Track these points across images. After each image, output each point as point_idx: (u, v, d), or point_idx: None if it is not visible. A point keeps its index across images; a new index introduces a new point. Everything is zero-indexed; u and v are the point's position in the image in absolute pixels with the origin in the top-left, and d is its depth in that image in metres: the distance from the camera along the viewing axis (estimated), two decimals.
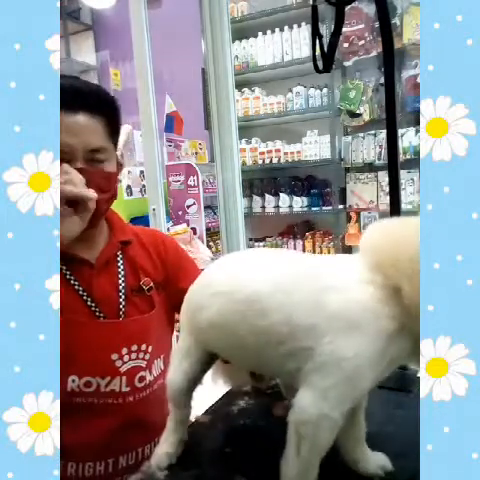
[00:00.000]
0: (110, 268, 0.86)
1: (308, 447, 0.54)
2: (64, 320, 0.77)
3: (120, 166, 0.89)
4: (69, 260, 0.82)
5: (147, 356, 0.85)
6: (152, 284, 0.89)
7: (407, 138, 3.14)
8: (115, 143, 0.85)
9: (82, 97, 0.77)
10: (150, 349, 0.85)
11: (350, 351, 0.52)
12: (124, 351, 0.82)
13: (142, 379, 0.84)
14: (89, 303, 0.82)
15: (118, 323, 0.83)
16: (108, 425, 0.81)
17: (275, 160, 3.78)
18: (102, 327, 0.82)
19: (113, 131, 0.83)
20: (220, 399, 0.87)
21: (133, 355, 0.83)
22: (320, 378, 0.53)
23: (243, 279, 0.60)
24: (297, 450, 0.55)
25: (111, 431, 0.81)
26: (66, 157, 0.75)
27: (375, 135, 3.35)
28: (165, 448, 0.68)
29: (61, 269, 0.81)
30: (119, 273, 0.86)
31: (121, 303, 0.84)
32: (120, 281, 0.86)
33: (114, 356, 0.81)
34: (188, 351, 0.67)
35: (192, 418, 0.85)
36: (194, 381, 0.68)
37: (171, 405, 0.69)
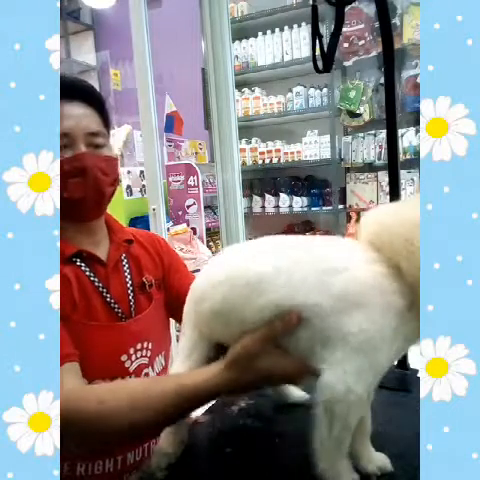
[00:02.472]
0: (118, 268, 0.87)
1: (340, 425, 0.56)
2: (79, 322, 0.77)
3: (117, 159, 0.92)
4: (86, 258, 0.83)
5: (149, 353, 0.86)
6: (153, 281, 0.90)
7: (407, 138, 3.14)
8: (109, 133, 0.91)
9: (77, 87, 0.82)
10: (151, 346, 0.86)
11: (355, 327, 0.55)
12: (131, 350, 0.83)
13: (146, 376, 0.85)
14: (109, 300, 0.82)
15: (131, 322, 0.84)
16: None
17: (275, 160, 3.78)
18: (116, 328, 0.82)
19: (105, 121, 0.88)
20: (220, 399, 0.87)
21: (139, 353, 0.84)
22: (331, 354, 0.56)
23: (244, 265, 0.62)
24: (329, 430, 0.57)
25: None
26: (68, 142, 0.78)
27: (375, 135, 3.35)
28: (164, 448, 0.68)
29: (80, 266, 0.82)
30: (125, 271, 0.87)
31: (131, 301, 0.85)
32: (127, 279, 0.87)
33: (124, 357, 0.82)
34: (193, 347, 0.67)
35: (192, 418, 0.85)
36: None
37: None
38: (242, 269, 0.61)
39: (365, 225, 0.60)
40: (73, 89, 0.81)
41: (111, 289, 0.83)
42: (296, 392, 0.82)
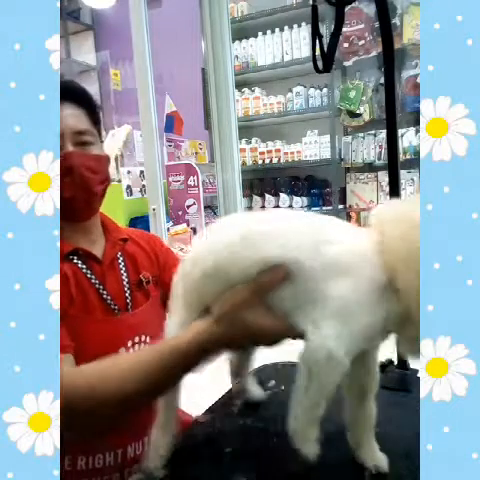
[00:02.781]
0: (114, 266, 0.89)
1: (315, 387, 0.58)
2: (77, 317, 0.78)
3: (109, 158, 0.93)
4: (83, 256, 0.85)
5: (147, 346, 0.86)
6: (150, 278, 0.92)
7: (407, 138, 3.15)
8: (99, 132, 0.91)
9: (67, 89, 0.82)
10: (149, 340, 0.87)
11: (337, 292, 0.57)
12: (129, 343, 0.84)
13: None
14: (105, 296, 0.84)
15: (127, 316, 0.85)
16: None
17: (275, 160, 3.78)
18: (113, 321, 0.84)
19: (95, 120, 0.89)
20: (220, 399, 0.87)
21: (137, 346, 0.85)
22: (314, 316, 0.58)
23: (244, 224, 0.64)
24: (305, 391, 0.58)
25: (119, 420, 0.82)
26: None
27: (375, 135, 3.35)
28: (157, 450, 0.68)
29: (76, 264, 0.83)
30: (121, 269, 0.89)
31: (127, 298, 0.87)
32: (123, 277, 0.88)
33: (122, 350, 0.83)
34: (182, 323, 0.67)
35: (192, 418, 0.85)
36: None
37: (160, 400, 0.69)
38: (241, 227, 0.63)
39: (376, 212, 0.62)
40: (62, 91, 0.83)
41: (107, 286, 0.85)
42: (257, 391, 0.83)
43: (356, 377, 0.64)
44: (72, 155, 0.80)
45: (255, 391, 0.83)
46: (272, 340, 0.63)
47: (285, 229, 0.62)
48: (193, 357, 0.62)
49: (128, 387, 0.63)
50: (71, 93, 0.84)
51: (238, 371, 0.81)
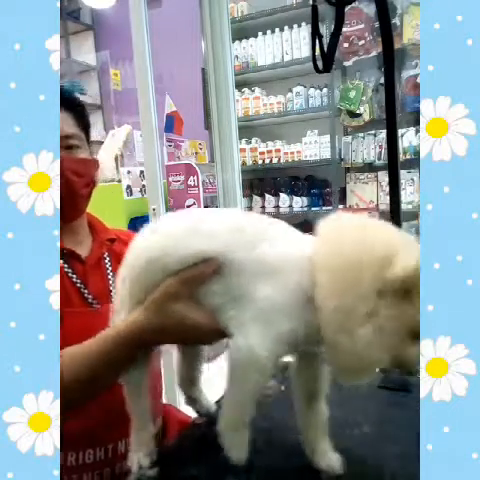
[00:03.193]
0: (100, 265, 0.91)
1: (240, 389, 0.58)
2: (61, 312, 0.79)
3: (96, 162, 0.95)
4: (66, 255, 0.87)
5: None
6: None
7: (407, 138, 3.14)
8: (87, 136, 0.93)
9: None
10: None
11: (261, 293, 0.57)
12: None
13: None
14: (86, 295, 0.85)
15: (106, 309, 0.85)
16: (106, 409, 0.82)
17: (275, 160, 3.78)
18: (96, 315, 0.84)
19: (83, 124, 0.91)
20: (220, 399, 0.87)
21: None
22: (240, 315, 0.58)
23: (187, 215, 0.66)
24: (231, 393, 0.59)
25: (108, 416, 0.82)
26: None
27: (375, 135, 3.35)
28: (140, 450, 0.67)
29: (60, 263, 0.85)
30: (107, 269, 0.91)
31: (112, 296, 0.87)
32: (110, 276, 0.90)
33: None
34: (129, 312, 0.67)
35: (190, 418, 0.85)
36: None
37: (129, 397, 0.69)
38: (180, 221, 0.65)
39: (324, 224, 0.60)
40: None
41: (90, 284, 0.87)
42: (208, 403, 0.81)
43: (304, 382, 0.65)
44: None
45: (207, 404, 0.80)
46: (202, 336, 0.63)
47: (221, 225, 0.62)
48: (129, 345, 0.64)
49: (66, 375, 0.61)
50: (61, 97, 0.85)
51: (188, 382, 0.78)
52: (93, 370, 0.65)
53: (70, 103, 0.89)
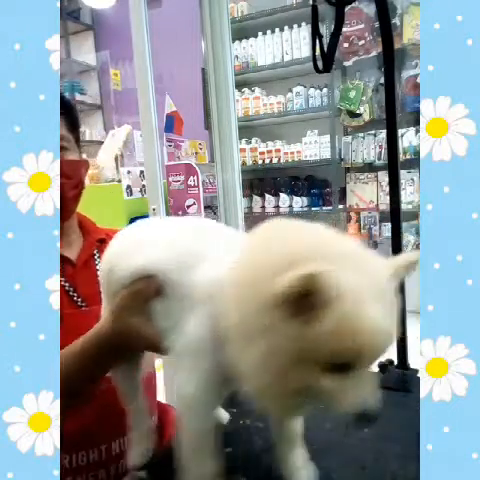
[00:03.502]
0: (89, 266, 0.91)
1: (187, 424, 0.55)
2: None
3: (86, 163, 0.96)
4: None
5: None
6: None
7: (407, 138, 3.14)
8: (76, 137, 0.93)
9: None
10: None
11: (189, 325, 0.53)
12: None
13: None
14: (75, 299, 0.86)
15: (95, 309, 0.85)
16: (98, 410, 0.82)
17: (275, 160, 3.78)
18: (85, 316, 0.83)
19: (72, 125, 0.91)
20: None
21: None
22: (173, 346, 0.56)
23: (140, 227, 0.68)
24: (182, 426, 0.55)
25: (101, 416, 0.82)
26: None
27: (375, 135, 3.35)
28: (136, 451, 0.69)
29: None
30: (97, 269, 0.90)
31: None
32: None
33: None
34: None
35: None
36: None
37: (122, 397, 0.70)
38: (132, 232, 0.67)
39: (257, 232, 0.51)
40: None
41: (79, 286, 0.87)
42: (222, 414, 0.78)
43: None
44: None
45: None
46: (160, 351, 0.60)
47: (165, 241, 0.61)
48: (98, 351, 0.65)
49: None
50: None
51: (130, 396, 0.73)
52: (75, 368, 0.66)
53: (62, 106, 0.87)
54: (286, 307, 0.40)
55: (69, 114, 0.90)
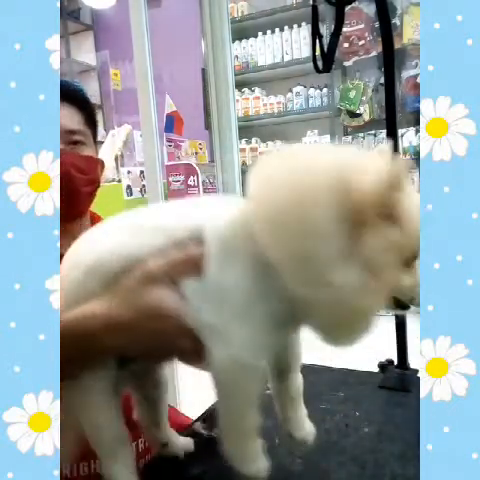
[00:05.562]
0: None
1: (233, 399, 0.51)
2: None
3: (102, 162, 0.92)
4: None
5: None
6: None
7: (407, 138, 3.14)
8: (93, 133, 0.90)
9: (61, 88, 0.82)
10: None
11: (230, 284, 0.47)
12: None
13: None
14: None
15: None
16: None
17: None
18: None
19: (89, 120, 0.88)
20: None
21: None
22: (212, 317, 0.48)
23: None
24: (225, 405, 0.52)
25: None
26: None
27: (375, 135, 3.35)
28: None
29: None
30: None
31: None
32: None
33: None
34: None
35: (192, 418, 0.85)
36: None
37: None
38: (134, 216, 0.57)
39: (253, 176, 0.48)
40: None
41: None
42: (181, 442, 0.71)
43: (276, 358, 0.58)
44: (61, 153, 0.79)
45: (179, 442, 0.70)
46: (172, 332, 0.50)
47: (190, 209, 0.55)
48: (86, 332, 0.51)
49: None
50: (66, 93, 0.83)
51: (153, 422, 0.67)
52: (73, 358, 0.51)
53: (78, 99, 0.86)
54: (377, 206, 0.41)
55: (87, 109, 0.88)
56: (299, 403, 0.62)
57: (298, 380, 0.61)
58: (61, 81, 0.86)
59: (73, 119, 0.84)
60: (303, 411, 0.62)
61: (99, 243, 0.56)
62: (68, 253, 0.58)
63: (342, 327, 0.47)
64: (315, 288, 0.43)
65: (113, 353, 0.53)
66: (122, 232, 0.55)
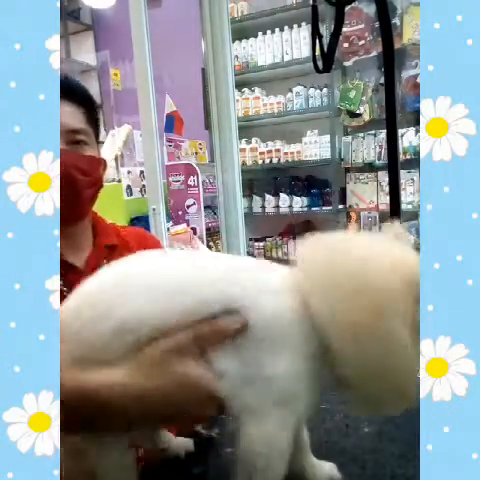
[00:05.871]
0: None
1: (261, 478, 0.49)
2: None
3: (104, 162, 0.89)
4: (60, 266, 0.80)
5: None
6: None
7: (407, 138, 3.14)
8: (96, 133, 0.87)
9: (64, 86, 0.77)
10: None
11: (278, 369, 0.47)
12: None
13: None
14: None
15: None
16: None
17: (275, 160, 3.78)
18: None
19: (92, 119, 0.85)
20: None
21: None
22: (252, 396, 0.47)
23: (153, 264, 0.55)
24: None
25: None
26: None
27: (375, 135, 3.35)
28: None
29: None
30: None
31: None
32: None
33: None
34: None
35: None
36: None
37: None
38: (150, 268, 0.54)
39: (303, 252, 0.51)
40: (61, 88, 0.81)
41: None
42: (182, 443, 0.70)
43: None
44: (62, 153, 0.76)
45: (179, 443, 0.70)
46: (196, 403, 0.49)
47: (226, 269, 0.52)
48: (118, 406, 0.48)
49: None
50: (69, 90, 0.81)
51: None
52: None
53: (82, 98, 0.84)
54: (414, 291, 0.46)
55: (90, 108, 0.85)
56: (308, 451, 0.60)
57: (305, 430, 0.60)
58: (62, 77, 0.84)
59: (75, 117, 0.81)
60: (311, 457, 0.61)
61: (124, 303, 0.50)
62: (82, 292, 0.54)
63: (397, 389, 0.49)
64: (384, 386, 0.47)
65: (135, 422, 0.52)
66: (151, 293, 0.50)
